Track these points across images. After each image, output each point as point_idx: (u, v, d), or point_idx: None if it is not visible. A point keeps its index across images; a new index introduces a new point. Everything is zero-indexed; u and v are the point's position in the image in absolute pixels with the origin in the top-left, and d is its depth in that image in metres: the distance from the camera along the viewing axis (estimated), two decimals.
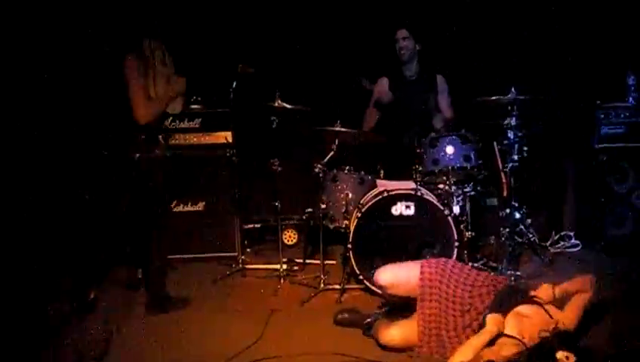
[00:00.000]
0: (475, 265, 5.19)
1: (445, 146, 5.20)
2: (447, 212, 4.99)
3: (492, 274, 4.41)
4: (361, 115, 6.31)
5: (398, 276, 4.20)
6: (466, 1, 6.60)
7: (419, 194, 5.04)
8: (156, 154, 4.74)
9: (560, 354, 3.24)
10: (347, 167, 5.39)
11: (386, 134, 5.84)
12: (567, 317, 3.68)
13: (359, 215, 5.04)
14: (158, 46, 4.75)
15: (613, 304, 4.36)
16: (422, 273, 4.04)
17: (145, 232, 4.84)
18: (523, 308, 3.68)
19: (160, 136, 4.82)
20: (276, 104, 5.28)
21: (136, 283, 5.23)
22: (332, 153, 5.37)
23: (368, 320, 4.27)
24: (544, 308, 3.62)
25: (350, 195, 5.27)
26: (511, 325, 3.58)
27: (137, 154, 4.63)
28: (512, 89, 5.05)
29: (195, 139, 5.78)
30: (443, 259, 4.19)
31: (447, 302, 3.92)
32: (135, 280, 5.30)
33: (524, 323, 3.58)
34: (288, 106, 5.31)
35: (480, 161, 5.23)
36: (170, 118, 5.79)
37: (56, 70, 5.82)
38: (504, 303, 3.72)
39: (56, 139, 5.97)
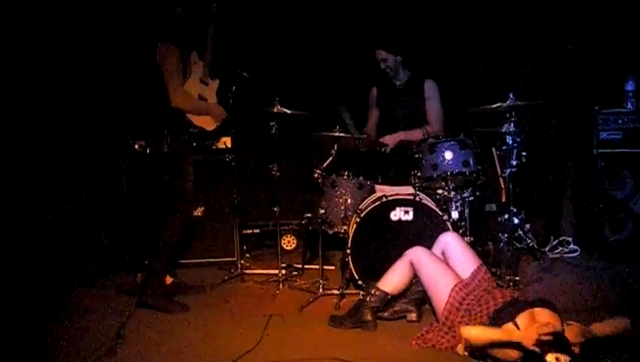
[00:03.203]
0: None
1: (444, 152, 5.21)
2: (445, 217, 5.00)
3: (499, 287, 4.44)
4: (359, 121, 6.32)
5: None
6: (463, 7, 6.62)
7: (417, 199, 5.05)
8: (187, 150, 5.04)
9: (550, 357, 3.24)
10: (346, 173, 5.39)
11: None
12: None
13: (358, 220, 5.04)
14: (200, 63, 5.12)
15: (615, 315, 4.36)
16: (478, 270, 4.28)
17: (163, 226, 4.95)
18: (539, 312, 3.64)
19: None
20: (275, 109, 5.29)
21: (134, 289, 5.23)
22: (331, 158, 5.38)
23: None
24: (559, 318, 3.59)
25: (349, 200, 5.28)
26: (522, 322, 3.58)
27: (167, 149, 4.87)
28: (511, 95, 5.05)
29: (194, 144, 5.77)
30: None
31: (473, 305, 3.99)
32: (133, 286, 5.30)
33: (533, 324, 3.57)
34: (287, 111, 5.32)
35: (479, 167, 5.24)
36: None
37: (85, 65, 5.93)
38: (504, 314, 3.72)
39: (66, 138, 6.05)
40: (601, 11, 6.16)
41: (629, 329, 3.62)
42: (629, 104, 5.84)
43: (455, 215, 5.15)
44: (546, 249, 6.10)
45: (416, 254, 4.37)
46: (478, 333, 3.58)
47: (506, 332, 3.51)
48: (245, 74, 5.50)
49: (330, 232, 5.31)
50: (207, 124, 5.12)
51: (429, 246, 4.51)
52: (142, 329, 4.47)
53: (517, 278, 5.13)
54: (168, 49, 4.78)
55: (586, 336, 3.46)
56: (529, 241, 5.90)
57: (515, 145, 5.17)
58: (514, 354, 3.49)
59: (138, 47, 4.96)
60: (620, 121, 5.84)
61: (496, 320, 3.71)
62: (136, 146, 5.57)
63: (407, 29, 6.51)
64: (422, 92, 6.10)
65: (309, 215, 5.63)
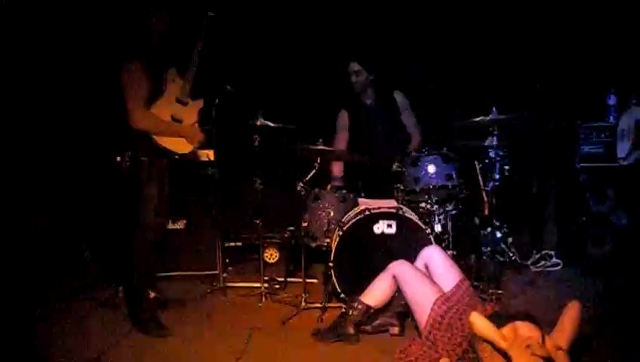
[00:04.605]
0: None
1: (427, 165, 5.22)
2: (428, 231, 5.00)
3: (482, 301, 4.43)
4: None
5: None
6: (448, 22, 6.65)
7: (400, 212, 5.05)
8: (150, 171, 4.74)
9: None
10: (329, 186, 5.40)
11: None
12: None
13: (341, 233, 5.04)
14: (179, 81, 4.87)
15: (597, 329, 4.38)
16: (460, 284, 4.22)
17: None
18: (521, 325, 3.63)
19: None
20: (258, 122, 5.27)
21: (115, 303, 5.20)
22: (314, 172, 5.37)
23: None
24: (541, 332, 3.59)
25: (332, 214, 5.27)
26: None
27: (143, 158, 4.68)
28: (494, 109, 5.07)
29: (176, 157, 5.75)
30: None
31: (455, 319, 3.97)
32: (115, 299, 5.27)
33: (517, 340, 3.55)
34: (271, 125, 5.31)
35: (461, 180, 5.25)
36: None
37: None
38: None
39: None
40: (584, 26, 6.21)
41: (580, 308, 3.63)
42: (611, 118, 5.88)
43: (438, 228, 5.16)
44: (529, 262, 6.14)
45: (399, 268, 4.36)
46: (483, 325, 3.55)
47: (505, 339, 3.49)
48: (229, 87, 5.48)
49: (313, 245, 5.29)
50: (179, 146, 4.83)
51: (411, 259, 4.50)
52: (123, 344, 4.43)
53: (500, 292, 5.14)
54: (130, 66, 4.56)
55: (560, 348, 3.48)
56: (512, 255, 5.94)
57: (498, 158, 5.19)
58: None
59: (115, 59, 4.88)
60: (602, 135, 5.88)
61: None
62: (118, 159, 5.53)
63: (388, 43, 6.55)
64: (394, 103, 6.14)
65: (291, 228, 5.63)
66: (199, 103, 4.99)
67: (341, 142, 6.31)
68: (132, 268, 4.77)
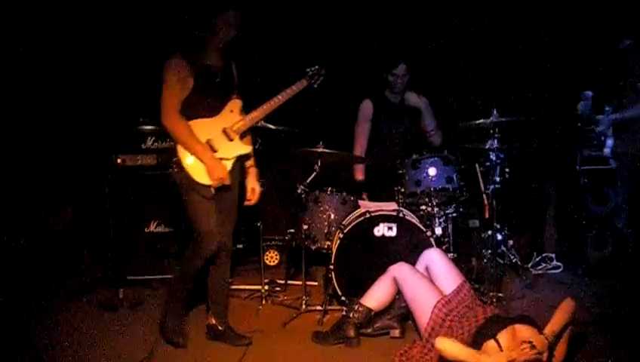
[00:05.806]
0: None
1: (427, 168, 5.22)
2: (429, 233, 5.00)
3: (482, 303, 4.42)
4: (343, 136, 6.30)
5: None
6: (448, 23, 6.65)
7: (401, 215, 5.04)
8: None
9: None
10: (329, 188, 5.39)
11: (370, 156, 5.92)
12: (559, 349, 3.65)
13: (341, 236, 5.03)
14: (237, 115, 4.49)
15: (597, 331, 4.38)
16: (461, 287, 4.24)
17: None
18: (520, 328, 3.63)
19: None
20: (259, 125, 5.26)
21: (115, 304, 5.19)
22: (315, 174, 5.36)
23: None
24: (542, 334, 3.58)
25: (332, 216, 5.27)
26: (504, 340, 3.55)
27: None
28: (494, 111, 5.07)
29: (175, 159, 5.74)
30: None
31: (455, 322, 3.97)
32: (115, 300, 5.26)
33: (516, 342, 3.54)
34: (272, 127, 5.31)
35: (462, 183, 5.25)
36: (153, 138, 5.75)
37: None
38: (486, 332, 3.70)
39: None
40: (584, 30, 6.20)
41: (575, 307, 3.67)
42: None
43: (438, 231, 5.16)
44: (529, 265, 6.13)
45: (399, 270, 4.36)
46: (452, 349, 3.52)
47: (477, 356, 3.46)
48: None
49: (314, 248, 5.28)
50: (197, 172, 4.23)
51: (412, 262, 4.50)
52: (122, 345, 4.43)
53: (500, 294, 5.13)
54: (175, 62, 4.14)
55: (550, 340, 3.48)
56: (512, 258, 5.93)
57: (499, 161, 5.19)
58: None
59: (127, 62, 4.79)
60: (603, 138, 5.86)
61: (478, 337, 3.69)
62: (119, 161, 5.53)
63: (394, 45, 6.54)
64: (417, 107, 6.09)
65: (292, 230, 5.61)
66: (245, 148, 4.51)
67: (363, 135, 6.16)
68: (178, 272, 4.54)
